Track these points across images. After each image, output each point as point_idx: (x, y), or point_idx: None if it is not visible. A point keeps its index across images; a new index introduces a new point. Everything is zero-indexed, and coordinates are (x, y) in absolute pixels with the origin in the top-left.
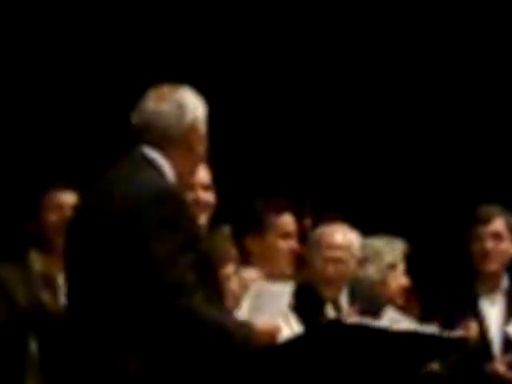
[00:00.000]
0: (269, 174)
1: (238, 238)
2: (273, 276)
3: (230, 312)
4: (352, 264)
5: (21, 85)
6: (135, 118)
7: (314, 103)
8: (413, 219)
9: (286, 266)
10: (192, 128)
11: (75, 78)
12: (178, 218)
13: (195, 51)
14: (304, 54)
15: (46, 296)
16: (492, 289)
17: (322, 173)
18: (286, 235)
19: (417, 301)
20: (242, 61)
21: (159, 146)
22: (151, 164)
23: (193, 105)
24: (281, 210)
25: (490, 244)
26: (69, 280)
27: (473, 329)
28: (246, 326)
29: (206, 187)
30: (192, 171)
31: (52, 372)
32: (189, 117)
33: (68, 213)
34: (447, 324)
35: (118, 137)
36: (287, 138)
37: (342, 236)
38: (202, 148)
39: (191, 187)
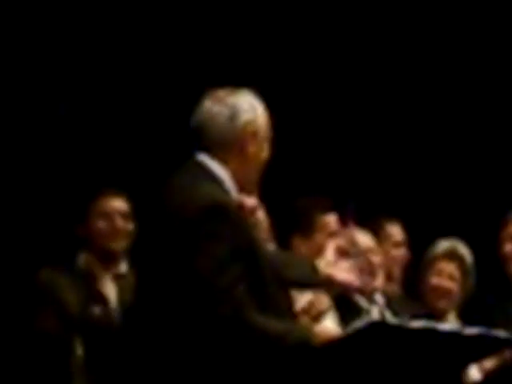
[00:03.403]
0: (311, 175)
1: (284, 238)
2: None
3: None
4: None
5: (74, 87)
6: (193, 122)
7: (361, 103)
8: (452, 221)
9: None
10: (245, 131)
11: (132, 81)
12: (225, 229)
13: (254, 55)
14: (342, 54)
15: (94, 302)
16: None
17: (366, 175)
18: (333, 234)
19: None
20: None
21: (216, 153)
22: (207, 173)
23: (248, 107)
24: (326, 210)
25: (509, 247)
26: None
27: None
28: (303, 331)
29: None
30: (253, 179)
31: (98, 376)
32: (241, 119)
33: (117, 219)
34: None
35: (169, 143)
36: (331, 139)
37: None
38: (261, 152)
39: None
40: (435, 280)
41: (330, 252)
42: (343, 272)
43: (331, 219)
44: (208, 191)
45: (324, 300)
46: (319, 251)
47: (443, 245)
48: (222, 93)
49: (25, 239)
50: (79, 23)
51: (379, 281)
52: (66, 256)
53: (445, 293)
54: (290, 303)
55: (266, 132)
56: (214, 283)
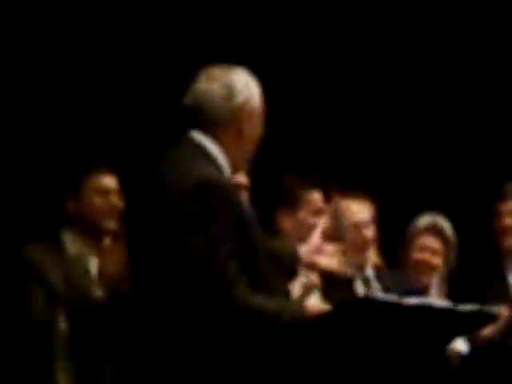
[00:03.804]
0: (296, 152)
1: (269, 214)
2: None
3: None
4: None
5: (62, 61)
6: (186, 100)
7: (344, 82)
8: (440, 198)
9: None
10: (241, 109)
11: (123, 57)
12: (218, 207)
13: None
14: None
15: (80, 279)
16: None
17: (348, 151)
18: (318, 212)
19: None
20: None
21: (209, 130)
22: (201, 150)
23: (244, 86)
24: (312, 187)
25: (507, 221)
26: (130, 265)
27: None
28: (294, 307)
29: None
30: (246, 157)
31: (81, 352)
32: (238, 98)
33: (113, 197)
34: (477, 300)
35: (158, 121)
36: (313, 115)
37: (359, 204)
38: (255, 131)
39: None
40: (418, 255)
41: (316, 236)
42: (326, 257)
43: (316, 196)
44: (202, 169)
45: (313, 277)
46: (303, 228)
47: (425, 219)
48: (217, 71)
49: (10, 214)
50: None
51: (371, 255)
52: (51, 232)
53: (428, 267)
54: (281, 280)
55: (259, 111)
56: (207, 261)
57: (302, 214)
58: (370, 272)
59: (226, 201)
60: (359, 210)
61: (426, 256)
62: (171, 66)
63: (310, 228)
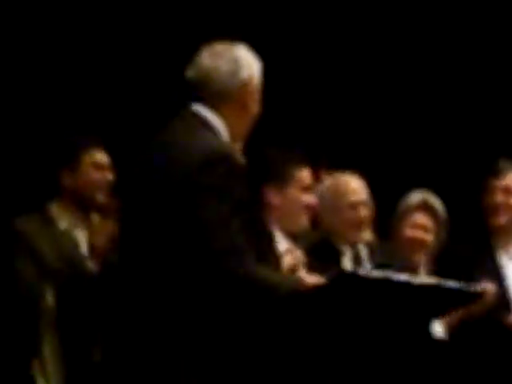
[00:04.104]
0: (284, 128)
1: (255, 188)
2: (291, 231)
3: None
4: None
5: (57, 39)
6: (189, 74)
7: (336, 58)
8: (430, 174)
9: (305, 220)
10: (246, 85)
11: (117, 35)
12: (227, 181)
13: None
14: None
15: (72, 252)
16: (507, 243)
17: (337, 128)
18: (306, 189)
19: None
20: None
21: (212, 104)
22: (204, 123)
23: (248, 62)
24: (301, 163)
25: (499, 198)
26: (121, 238)
27: (490, 287)
28: (293, 281)
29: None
30: (245, 131)
31: (68, 327)
32: (244, 74)
33: (107, 172)
34: (466, 278)
35: (152, 97)
36: (304, 95)
37: (357, 181)
38: (255, 107)
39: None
40: (410, 232)
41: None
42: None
43: (305, 173)
44: (207, 139)
45: (299, 253)
46: (292, 205)
47: (416, 196)
48: (221, 47)
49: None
50: None
51: (366, 234)
52: (38, 204)
53: (420, 245)
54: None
55: (259, 86)
56: (217, 235)
57: (291, 191)
58: (362, 249)
59: (237, 172)
60: (357, 189)
61: (418, 233)
62: (164, 42)
63: (299, 205)
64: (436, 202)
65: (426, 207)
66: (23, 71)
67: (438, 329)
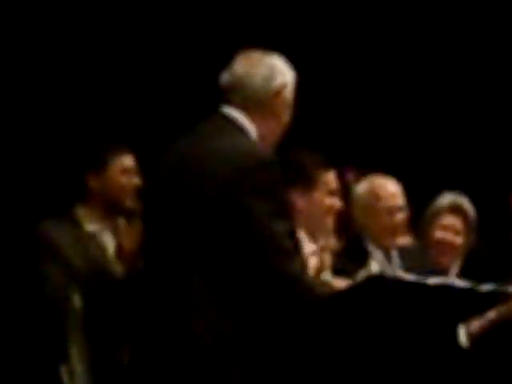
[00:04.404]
0: (312, 131)
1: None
2: (318, 236)
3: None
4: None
5: (84, 43)
6: (223, 79)
7: (363, 64)
8: (459, 176)
9: (331, 224)
10: (279, 93)
11: (145, 42)
12: (275, 186)
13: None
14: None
15: (98, 256)
16: None
17: (363, 131)
18: (332, 192)
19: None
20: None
21: (243, 107)
22: (234, 124)
23: (282, 71)
24: (328, 167)
25: None
26: (148, 243)
27: None
28: (327, 287)
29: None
30: (275, 139)
31: (95, 331)
32: (278, 81)
33: (134, 177)
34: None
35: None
36: (329, 97)
37: (395, 185)
38: (287, 116)
39: None
40: (440, 234)
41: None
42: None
43: (331, 177)
44: (249, 143)
45: (326, 257)
46: (317, 209)
47: (447, 198)
48: (256, 55)
49: (26, 190)
50: None
51: (400, 239)
52: (65, 208)
53: (450, 247)
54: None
55: (292, 97)
56: (270, 237)
57: (317, 195)
58: (394, 253)
59: (279, 178)
60: (395, 194)
61: (449, 236)
62: (192, 49)
63: (324, 209)
64: (466, 204)
65: (457, 209)
66: (52, 76)
67: (463, 336)
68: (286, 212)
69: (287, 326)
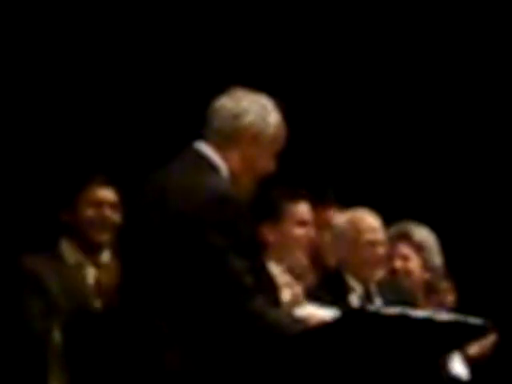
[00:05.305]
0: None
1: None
2: (291, 268)
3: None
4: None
5: (64, 72)
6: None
7: (337, 93)
8: (436, 207)
9: (302, 255)
10: (245, 131)
11: (125, 68)
12: (236, 222)
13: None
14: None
15: (79, 289)
16: None
17: (344, 163)
18: (302, 223)
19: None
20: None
21: (214, 143)
22: (205, 160)
23: (257, 110)
24: (297, 199)
25: None
26: (124, 276)
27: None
28: (300, 324)
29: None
30: (249, 177)
31: (76, 365)
32: (247, 120)
33: (106, 209)
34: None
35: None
36: (309, 128)
37: (375, 219)
38: (260, 161)
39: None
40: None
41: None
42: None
43: (301, 208)
44: (214, 180)
45: (297, 290)
46: (286, 240)
47: (393, 229)
48: (241, 92)
49: (6, 224)
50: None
51: (380, 272)
52: (47, 242)
53: (404, 274)
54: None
55: (273, 143)
56: (228, 274)
57: (286, 226)
58: (372, 286)
59: (244, 215)
60: (376, 227)
61: (398, 263)
62: (172, 79)
63: (293, 240)
64: (416, 230)
65: (403, 237)
66: (26, 106)
67: (459, 366)
68: (248, 248)
69: (256, 363)
